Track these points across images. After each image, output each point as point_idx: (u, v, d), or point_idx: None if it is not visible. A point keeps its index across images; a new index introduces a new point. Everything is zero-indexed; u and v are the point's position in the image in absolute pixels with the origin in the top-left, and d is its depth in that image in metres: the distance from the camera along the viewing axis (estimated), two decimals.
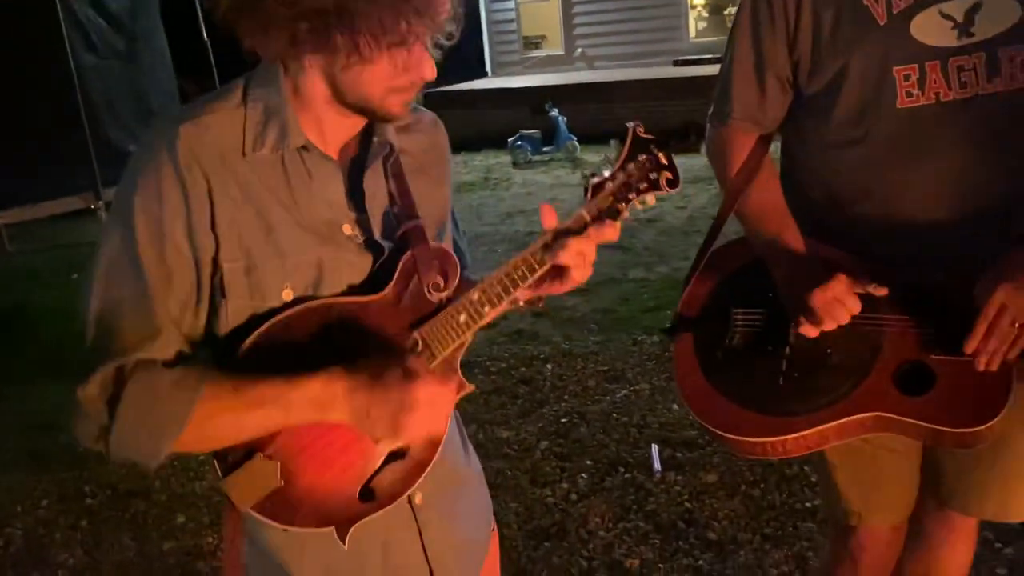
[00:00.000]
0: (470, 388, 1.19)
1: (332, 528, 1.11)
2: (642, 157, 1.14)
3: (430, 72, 1.07)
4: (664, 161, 1.14)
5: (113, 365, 1.04)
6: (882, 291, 1.40)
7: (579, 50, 14.00)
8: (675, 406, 3.60)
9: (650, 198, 1.15)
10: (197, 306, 1.09)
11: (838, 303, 1.39)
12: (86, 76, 6.04)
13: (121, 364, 1.04)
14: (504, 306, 1.15)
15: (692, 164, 8.72)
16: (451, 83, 12.84)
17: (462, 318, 1.13)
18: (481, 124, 11.51)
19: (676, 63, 12.60)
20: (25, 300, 6.11)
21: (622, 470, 3.18)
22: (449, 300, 1.14)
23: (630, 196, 1.14)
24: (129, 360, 1.04)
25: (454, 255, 1.18)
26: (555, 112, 10.08)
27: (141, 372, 1.04)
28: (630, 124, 1.14)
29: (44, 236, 7.79)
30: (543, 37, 14.93)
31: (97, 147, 5.94)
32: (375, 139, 1.16)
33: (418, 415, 1.03)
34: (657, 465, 3.17)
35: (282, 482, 1.08)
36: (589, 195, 1.14)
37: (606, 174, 1.14)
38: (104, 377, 1.03)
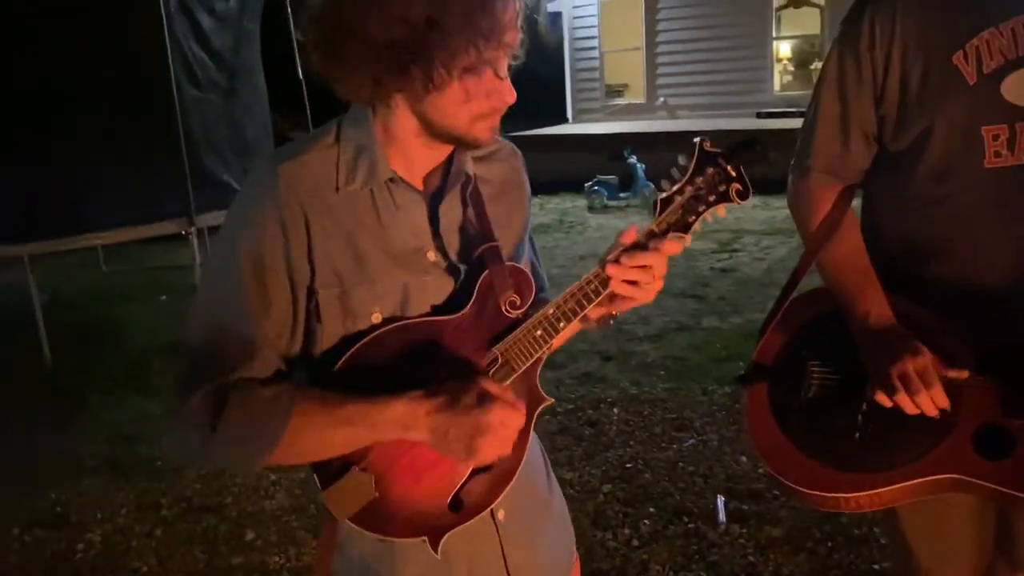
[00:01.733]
0: (549, 401, 1.24)
1: (425, 538, 1.16)
2: (710, 170, 1.17)
3: (510, 96, 1.13)
4: (733, 173, 1.17)
5: (217, 382, 1.12)
6: (962, 374, 1.38)
7: (661, 99, 14.07)
8: (743, 458, 3.55)
9: (720, 210, 1.18)
10: (293, 329, 1.17)
11: (918, 381, 1.37)
12: (188, 108, 6.34)
13: (223, 382, 1.13)
14: (577, 323, 1.20)
15: (772, 216, 8.69)
16: (532, 128, 13.03)
17: (538, 333, 1.18)
18: (559, 168, 11.64)
19: (759, 115, 12.55)
20: (115, 316, 6.41)
21: (686, 519, 3.14)
22: (525, 316, 1.20)
23: (700, 209, 1.17)
24: (231, 378, 1.13)
25: (528, 273, 1.23)
26: (633, 159, 10.14)
27: (241, 389, 1.13)
28: (696, 139, 1.17)
29: (137, 257, 8.18)
30: (626, 86, 15.08)
31: (193, 176, 6.21)
32: (453, 169, 1.22)
33: (491, 438, 1.08)
34: (722, 516, 3.12)
35: (377, 494, 1.14)
36: (658, 210, 1.18)
37: (674, 188, 1.17)
38: (208, 392, 1.12)
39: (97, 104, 5.94)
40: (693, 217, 1.18)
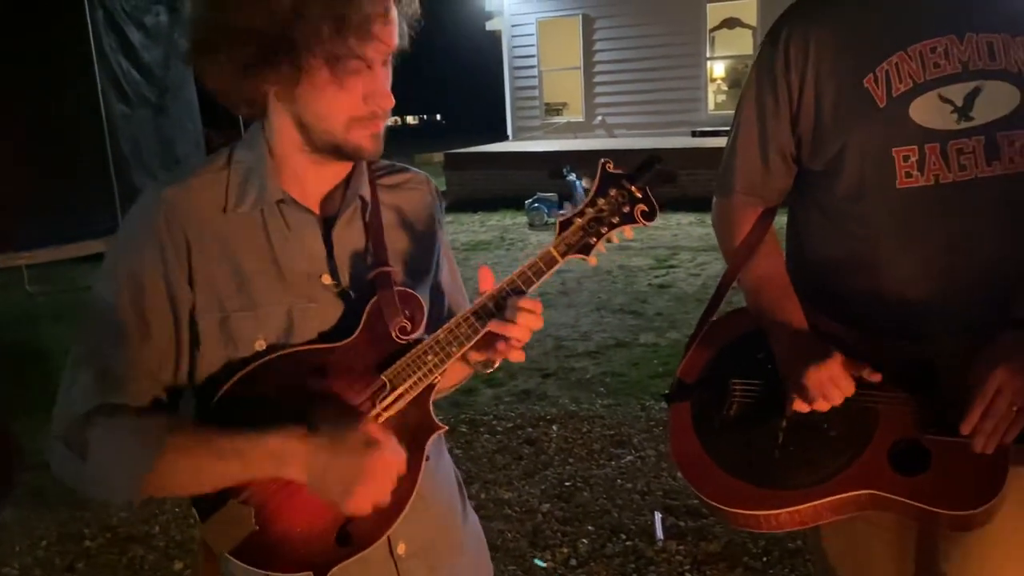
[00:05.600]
0: (442, 428, 1.20)
1: (310, 573, 1.12)
2: (612, 192, 1.15)
3: (387, 101, 1.12)
4: (638, 194, 1.15)
5: (86, 409, 1.08)
6: (875, 376, 1.41)
7: (599, 118, 14.25)
8: (680, 474, 3.56)
9: (627, 231, 1.16)
10: (178, 356, 1.14)
11: (831, 383, 1.39)
12: (116, 124, 6.22)
13: (92, 409, 1.08)
14: (462, 365, 1.18)
15: (708, 233, 8.84)
16: (473, 145, 13.07)
17: (429, 358, 1.15)
18: (500, 185, 11.70)
19: (694, 134, 12.80)
20: (40, 339, 6.18)
21: (624, 537, 3.14)
22: (417, 342, 1.17)
23: (602, 230, 1.15)
24: (102, 405, 1.09)
25: (420, 298, 1.20)
26: (573, 176, 10.24)
27: (110, 418, 1.09)
28: (601, 160, 1.17)
29: (64, 278, 7.91)
30: (564, 104, 15.25)
31: (122, 193, 6.08)
32: (348, 191, 1.21)
33: (370, 485, 1.05)
34: (660, 533, 3.13)
35: (257, 527, 1.10)
36: (557, 231, 1.16)
37: (575, 210, 1.16)
38: (77, 421, 1.08)
39: (21, 120, 5.77)
40: (595, 239, 1.15)
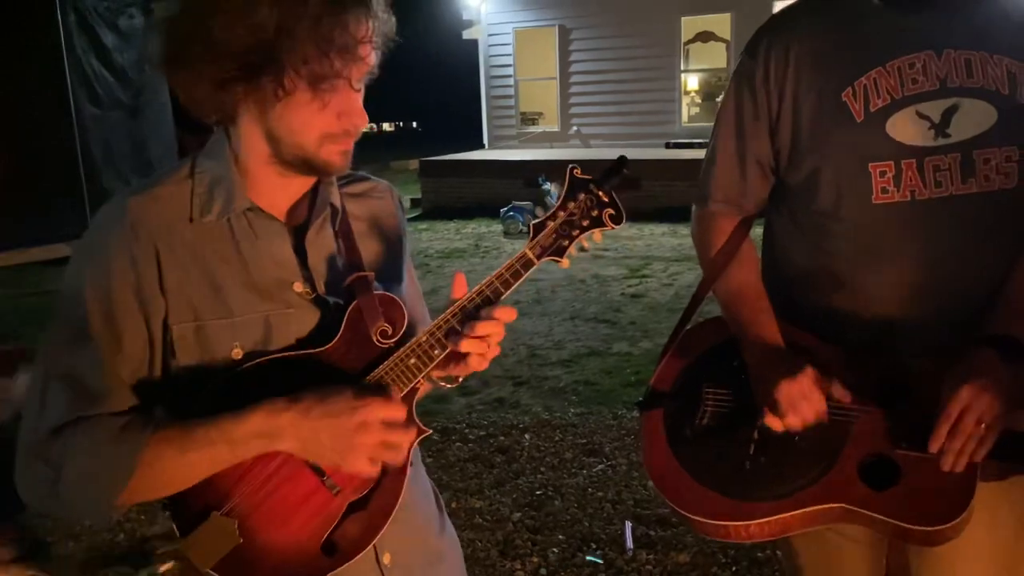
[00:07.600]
0: (427, 432, 1.19)
1: None
2: (582, 196, 1.18)
3: (361, 120, 1.12)
4: (605, 199, 1.19)
5: (60, 422, 1.05)
6: (845, 395, 1.41)
7: (574, 128, 14.32)
8: (651, 483, 3.57)
9: (596, 234, 1.19)
10: (151, 364, 1.12)
11: (802, 398, 1.39)
12: (87, 126, 6.14)
13: (67, 421, 1.05)
14: (425, 381, 1.18)
15: (680, 243, 8.92)
16: (449, 152, 13.08)
17: (412, 361, 1.15)
18: (476, 194, 11.71)
19: (668, 145, 12.91)
20: (7, 343, 6.06)
21: (594, 546, 3.14)
22: (398, 345, 1.16)
23: (574, 233, 1.18)
24: (75, 417, 1.06)
25: (401, 302, 1.20)
26: (548, 185, 10.27)
27: (87, 424, 1.06)
28: (569, 166, 1.20)
29: (32, 281, 7.78)
30: (540, 114, 15.30)
31: (92, 196, 6.00)
32: (318, 199, 1.20)
33: (373, 437, 1.03)
34: (630, 543, 3.14)
35: (241, 539, 1.08)
36: (531, 234, 1.18)
37: (547, 214, 1.19)
38: (50, 434, 1.05)
39: None
40: (567, 241, 1.18)
